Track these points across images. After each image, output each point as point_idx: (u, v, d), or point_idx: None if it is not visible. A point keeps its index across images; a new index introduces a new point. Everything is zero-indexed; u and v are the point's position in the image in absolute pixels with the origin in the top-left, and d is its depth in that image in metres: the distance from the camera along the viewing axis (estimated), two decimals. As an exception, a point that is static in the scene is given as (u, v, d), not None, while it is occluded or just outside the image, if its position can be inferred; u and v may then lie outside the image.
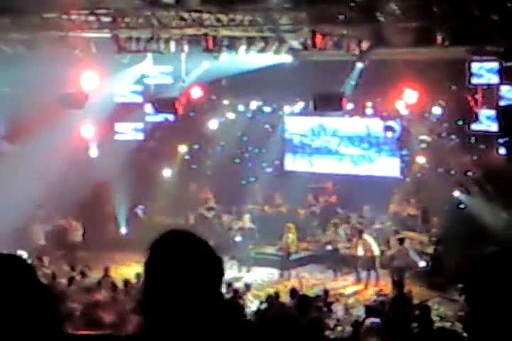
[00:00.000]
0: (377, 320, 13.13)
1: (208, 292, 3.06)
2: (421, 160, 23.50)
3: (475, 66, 18.17)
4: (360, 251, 21.97)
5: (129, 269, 21.28)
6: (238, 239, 23.45)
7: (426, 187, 23.53)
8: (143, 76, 22.54)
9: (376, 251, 21.83)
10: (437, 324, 16.18)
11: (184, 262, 3.08)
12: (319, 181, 26.27)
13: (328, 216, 24.76)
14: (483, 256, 2.94)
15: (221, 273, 3.12)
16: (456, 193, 22.09)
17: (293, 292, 17.97)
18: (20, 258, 3.46)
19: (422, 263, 21.49)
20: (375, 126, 24.52)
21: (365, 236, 22.19)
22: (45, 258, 22.23)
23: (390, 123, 23.06)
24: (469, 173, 21.87)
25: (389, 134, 23.48)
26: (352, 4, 15.87)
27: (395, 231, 22.21)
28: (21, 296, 3.24)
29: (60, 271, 21.47)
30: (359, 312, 17.48)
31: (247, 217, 24.22)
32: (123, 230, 26.08)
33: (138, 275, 18.18)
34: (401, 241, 21.24)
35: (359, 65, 19.73)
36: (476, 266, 2.96)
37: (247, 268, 23.12)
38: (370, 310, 15.59)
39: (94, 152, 24.67)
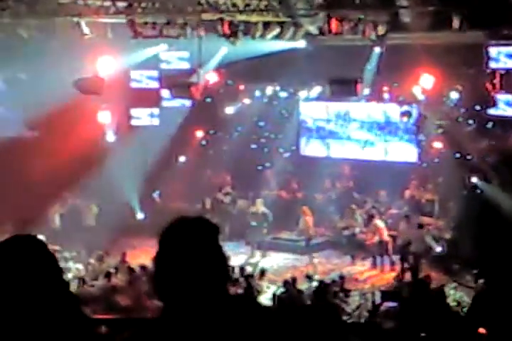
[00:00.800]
0: (393, 304, 13.16)
1: (215, 277, 3.08)
2: (438, 145, 23.43)
3: (493, 50, 18.04)
4: (374, 236, 21.99)
5: (146, 254, 21.35)
6: (253, 223, 23.46)
7: (443, 172, 23.46)
8: (159, 61, 22.51)
9: (386, 237, 21.83)
10: (454, 309, 16.15)
11: (191, 249, 3.11)
12: (336, 166, 26.23)
13: (345, 201, 24.72)
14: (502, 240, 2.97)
15: (224, 260, 3.15)
16: (474, 179, 22.02)
17: (309, 277, 18.03)
18: (39, 241, 3.49)
19: (439, 249, 21.45)
20: (392, 111, 24.44)
21: (377, 221, 22.21)
22: (60, 241, 22.37)
23: (406, 108, 22.98)
24: (486, 158, 21.77)
25: (405, 119, 23.41)
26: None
27: (406, 216, 22.13)
28: (38, 278, 3.27)
29: (78, 255, 21.60)
30: (375, 297, 17.51)
31: (259, 201, 24.19)
32: (139, 215, 26.10)
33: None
34: (419, 226, 21.21)
35: (377, 50, 19.66)
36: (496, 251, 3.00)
37: (263, 253, 23.15)
38: (387, 295, 15.60)
39: (111, 137, 24.74)
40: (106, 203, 24.60)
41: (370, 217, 22.56)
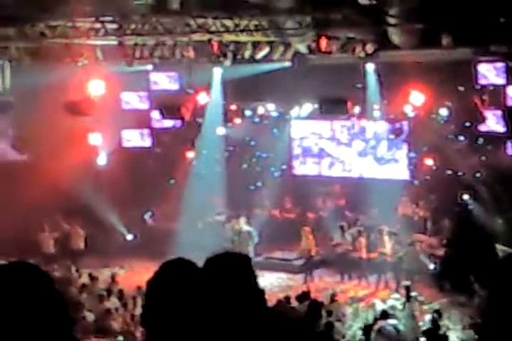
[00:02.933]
0: (387, 323, 13.11)
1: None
2: (429, 162, 23.47)
3: (481, 67, 18.13)
4: (365, 254, 22.01)
5: (140, 276, 21.26)
6: (235, 241, 23.53)
7: (435, 189, 23.48)
8: (149, 82, 22.53)
9: (385, 253, 21.81)
10: (448, 327, 16.15)
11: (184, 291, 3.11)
12: (327, 184, 26.25)
13: (336, 219, 24.70)
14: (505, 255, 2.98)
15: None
16: (465, 196, 22.05)
17: (303, 296, 17.96)
18: (34, 266, 3.46)
19: (432, 266, 21.43)
20: (383, 128, 24.49)
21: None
22: (55, 265, 22.29)
23: (397, 125, 23.02)
24: (478, 174, 21.81)
25: (396, 137, 23.45)
26: (356, 7, 15.86)
27: (394, 234, 22.12)
28: (37, 303, 3.24)
29: (71, 278, 21.50)
30: (369, 315, 17.46)
31: (242, 219, 24.28)
32: (129, 236, 26.03)
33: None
34: (411, 243, 21.19)
35: (371, 67, 19.72)
36: (500, 264, 2.98)
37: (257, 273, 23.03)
38: (381, 314, 15.56)
39: (102, 160, 24.70)
40: (95, 226, 24.56)
41: (359, 233, 22.61)
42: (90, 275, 20.72)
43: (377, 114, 23.58)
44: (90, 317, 17.10)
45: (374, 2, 15.61)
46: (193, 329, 3.08)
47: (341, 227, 23.64)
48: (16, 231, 22.29)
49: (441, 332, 15.39)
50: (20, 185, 23.28)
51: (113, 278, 20.43)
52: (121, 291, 18.72)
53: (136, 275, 21.69)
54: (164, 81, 22.33)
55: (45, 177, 22.76)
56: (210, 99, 23.15)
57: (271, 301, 19.05)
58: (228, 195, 26.29)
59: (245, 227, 23.81)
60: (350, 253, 22.84)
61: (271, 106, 25.38)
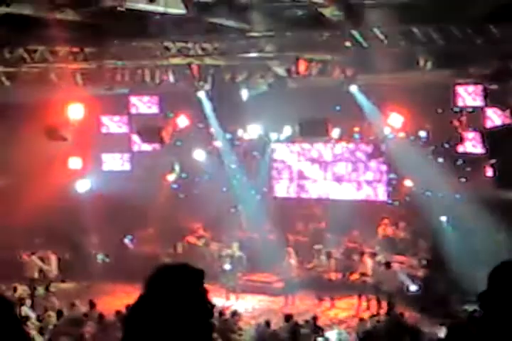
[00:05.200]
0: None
1: (199, 327, 3.05)
2: (408, 183, 23.54)
3: (460, 89, 18.29)
4: (344, 276, 22.12)
5: (120, 300, 21.14)
6: (227, 267, 23.34)
7: (414, 210, 23.52)
8: (129, 106, 22.57)
9: (365, 274, 21.82)
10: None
11: (176, 298, 3.08)
12: (308, 207, 26.25)
13: (316, 242, 24.69)
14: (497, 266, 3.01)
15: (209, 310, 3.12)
16: (443, 217, 22.14)
17: (287, 318, 17.93)
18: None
19: (414, 287, 21.42)
20: (362, 150, 24.59)
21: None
22: (39, 289, 22.24)
23: (376, 147, 23.11)
24: (457, 196, 21.89)
25: (375, 159, 23.54)
26: (334, 31, 15.96)
27: (373, 254, 22.20)
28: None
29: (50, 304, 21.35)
30: (351, 337, 17.44)
31: (235, 245, 24.17)
32: (109, 260, 25.90)
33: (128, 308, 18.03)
34: (387, 265, 21.17)
35: (354, 89, 19.80)
36: (493, 275, 3.02)
37: (237, 296, 23.00)
38: (364, 336, 15.55)
39: (81, 186, 24.60)
40: (73, 250, 24.46)
41: (329, 256, 22.69)
42: (71, 302, 20.53)
43: (356, 135, 23.68)
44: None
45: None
46: None
47: (318, 250, 23.71)
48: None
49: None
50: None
51: (91, 303, 20.24)
52: (100, 316, 18.56)
53: (116, 299, 21.56)
54: (144, 105, 22.38)
55: (23, 201, 22.65)
56: (190, 122, 23.19)
57: (251, 324, 19.10)
58: (208, 218, 26.23)
59: (238, 253, 23.77)
60: (327, 276, 22.79)
61: (251, 129, 25.40)
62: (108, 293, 23.15)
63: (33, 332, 16.76)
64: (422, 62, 16.86)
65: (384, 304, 20.58)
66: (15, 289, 21.38)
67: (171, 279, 3.15)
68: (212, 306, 3.16)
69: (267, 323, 17.68)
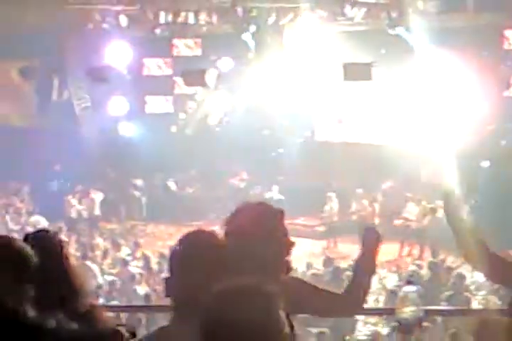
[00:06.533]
0: (413, 288, 13.13)
1: None
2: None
3: (507, 33, 17.96)
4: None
5: (163, 241, 21.41)
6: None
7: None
8: (172, 48, 22.50)
9: (409, 219, 21.81)
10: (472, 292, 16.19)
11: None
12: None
13: (358, 186, 24.60)
14: None
15: None
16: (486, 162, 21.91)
17: (326, 262, 18.05)
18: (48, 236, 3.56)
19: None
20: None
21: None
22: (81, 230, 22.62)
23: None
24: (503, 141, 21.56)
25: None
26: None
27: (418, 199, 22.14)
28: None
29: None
30: (392, 281, 17.54)
31: (275, 188, 24.24)
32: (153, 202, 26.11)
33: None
34: (432, 210, 21.08)
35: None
36: None
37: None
38: (406, 279, 15.58)
39: (125, 129, 24.76)
40: (115, 192, 24.77)
41: (372, 201, 22.66)
42: (115, 242, 20.82)
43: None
44: (114, 282, 17.21)
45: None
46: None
47: (360, 194, 23.71)
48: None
49: (463, 297, 15.40)
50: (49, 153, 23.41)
51: (136, 244, 20.55)
52: (145, 256, 18.83)
53: (159, 240, 21.86)
54: (187, 47, 22.29)
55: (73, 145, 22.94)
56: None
57: (295, 265, 19.20)
58: (250, 161, 26.22)
59: (277, 196, 23.87)
60: (370, 220, 22.79)
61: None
62: (151, 235, 23.45)
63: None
64: (469, 4, 16.58)
65: (427, 250, 20.56)
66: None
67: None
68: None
69: (309, 266, 17.79)
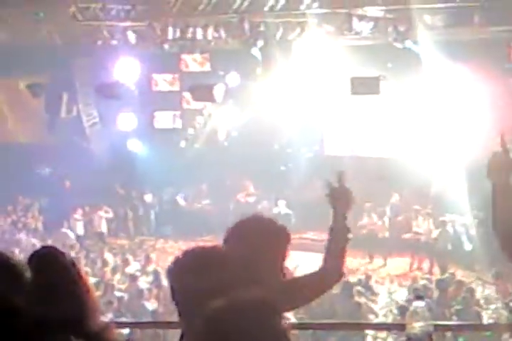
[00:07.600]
0: (422, 303, 13.10)
1: None
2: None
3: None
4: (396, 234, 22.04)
5: (172, 256, 21.40)
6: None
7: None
8: (180, 64, 22.57)
9: (419, 232, 21.75)
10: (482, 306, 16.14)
11: None
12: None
13: (367, 200, 24.54)
14: None
15: None
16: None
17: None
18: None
19: (468, 246, 21.22)
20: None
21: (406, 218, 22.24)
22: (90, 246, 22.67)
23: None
24: None
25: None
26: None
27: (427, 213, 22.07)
28: None
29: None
30: (402, 295, 17.49)
31: (282, 202, 24.25)
32: (162, 217, 26.11)
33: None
34: (442, 223, 21.06)
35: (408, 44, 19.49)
36: None
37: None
38: (415, 294, 15.55)
39: (134, 145, 24.81)
40: (124, 208, 24.71)
41: (381, 215, 22.72)
42: (124, 258, 20.83)
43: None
44: (123, 298, 17.23)
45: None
46: None
47: (370, 208, 23.65)
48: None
49: (473, 311, 15.35)
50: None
51: (147, 259, 20.56)
52: (155, 271, 18.84)
53: (168, 255, 21.84)
54: (195, 62, 22.35)
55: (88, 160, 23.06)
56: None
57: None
58: (258, 176, 26.24)
59: (285, 210, 23.86)
60: (378, 234, 22.77)
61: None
62: (160, 250, 23.45)
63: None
64: (476, 19, 16.59)
65: (437, 263, 20.50)
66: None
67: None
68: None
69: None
